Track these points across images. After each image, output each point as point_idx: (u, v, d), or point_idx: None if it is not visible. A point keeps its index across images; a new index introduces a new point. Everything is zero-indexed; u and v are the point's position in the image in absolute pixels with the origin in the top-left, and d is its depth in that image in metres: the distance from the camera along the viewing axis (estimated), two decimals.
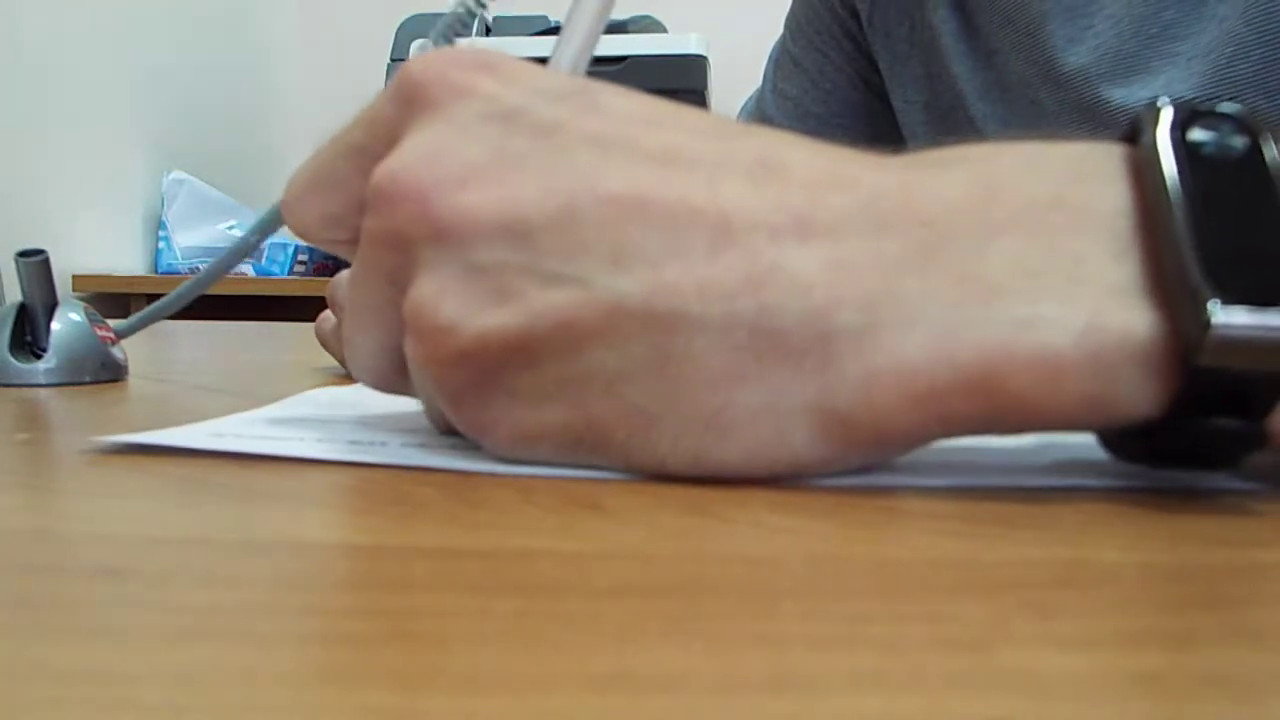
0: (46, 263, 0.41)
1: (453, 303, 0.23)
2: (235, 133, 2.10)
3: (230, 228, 1.88)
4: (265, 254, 1.85)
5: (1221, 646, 0.14)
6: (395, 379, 0.27)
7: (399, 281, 0.24)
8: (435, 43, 0.35)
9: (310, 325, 0.53)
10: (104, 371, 0.42)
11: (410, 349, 0.24)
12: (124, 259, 1.81)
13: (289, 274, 1.84)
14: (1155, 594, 0.16)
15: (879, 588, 0.16)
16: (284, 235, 1.96)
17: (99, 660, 0.13)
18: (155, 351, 0.51)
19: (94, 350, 0.41)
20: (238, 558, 0.18)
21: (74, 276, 1.63)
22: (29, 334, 0.41)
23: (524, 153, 0.23)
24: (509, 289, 0.22)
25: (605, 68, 1.68)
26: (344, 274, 0.52)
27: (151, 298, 1.65)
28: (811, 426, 0.21)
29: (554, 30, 1.83)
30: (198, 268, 1.83)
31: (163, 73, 1.89)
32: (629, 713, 0.11)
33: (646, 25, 1.82)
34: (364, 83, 2.02)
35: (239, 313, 1.68)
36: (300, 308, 1.71)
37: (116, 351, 0.43)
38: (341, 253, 0.28)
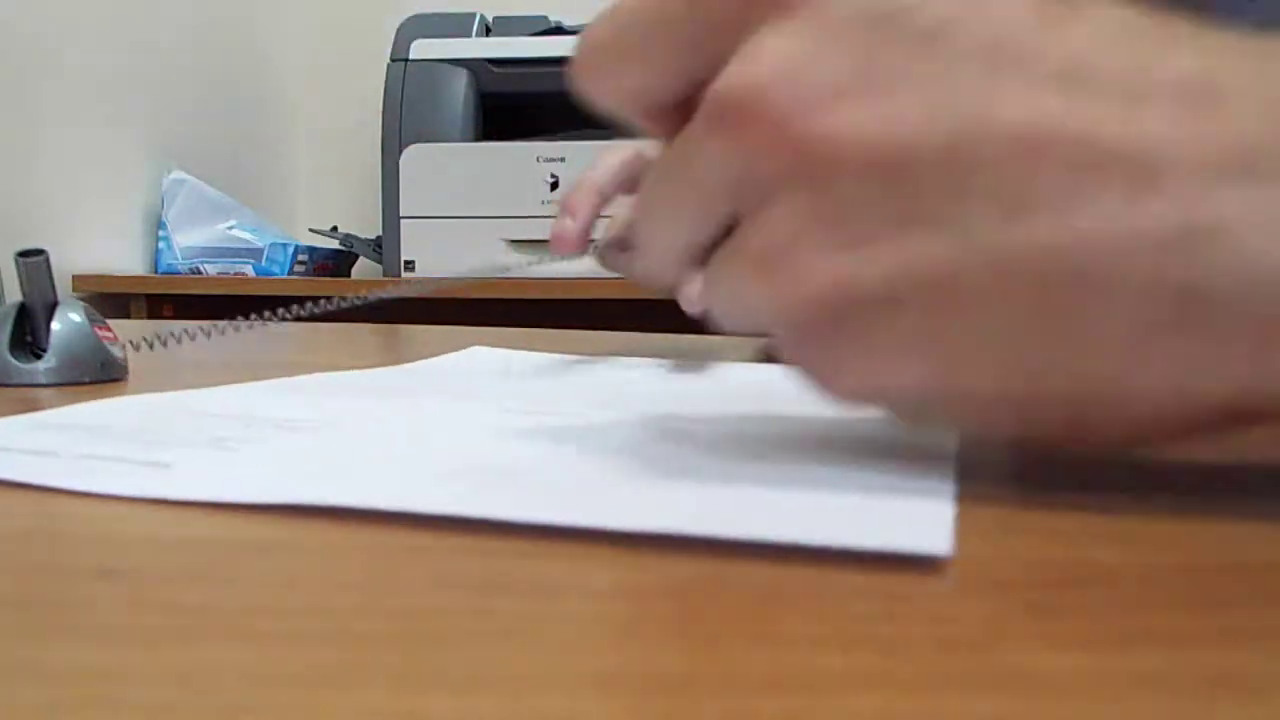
0: (46, 263, 0.41)
1: (812, 242, 0.20)
2: (235, 133, 2.10)
3: (230, 228, 1.88)
4: (265, 254, 1.85)
5: (1221, 646, 0.14)
6: (688, 274, 0.24)
7: (738, 197, 0.21)
8: None
9: (311, 325, 0.53)
10: (104, 371, 0.42)
11: (756, 283, 0.21)
12: (124, 259, 1.81)
13: (289, 274, 1.84)
14: (1155, 594, 0.16)
15: (880, 588, 0.16)
16: (284, 235, 1.96)
17: (99, 660, 0.13)
18: (155, 351, 0.51)
19: (94, 350, 0.41)
20: (238, 558, 0.18)
21: (74, 276, 1.63)
22: (29, 334, 0.41)
23: (901, 68, 0.20)
24: (879, 230, 0.20)
25: None
26: (631, 150, 0.55)
27: (152, 298, 1.63)
28: (1224, 408, 0.19)
29: (554, 30, 1.83)
30: (198, 268, 1.83)
31: (163, 73, 1.89)
32: (629, 713, 0.11)
33: None
34: (364, 83, 2.02)
35: (239, 312, 1.68)
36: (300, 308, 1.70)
37: (117, 351, 0.43)
38: (635, 122, 0.25)
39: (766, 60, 0.20)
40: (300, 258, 1.88)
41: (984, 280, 0.19)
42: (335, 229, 1.95)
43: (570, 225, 0.52)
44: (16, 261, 0.41)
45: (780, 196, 0.20)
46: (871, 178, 0.19)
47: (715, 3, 0.22)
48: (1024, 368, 0.20)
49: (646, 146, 0.54)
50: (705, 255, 0.24)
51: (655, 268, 0.25)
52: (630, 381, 0.44)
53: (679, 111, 0.23)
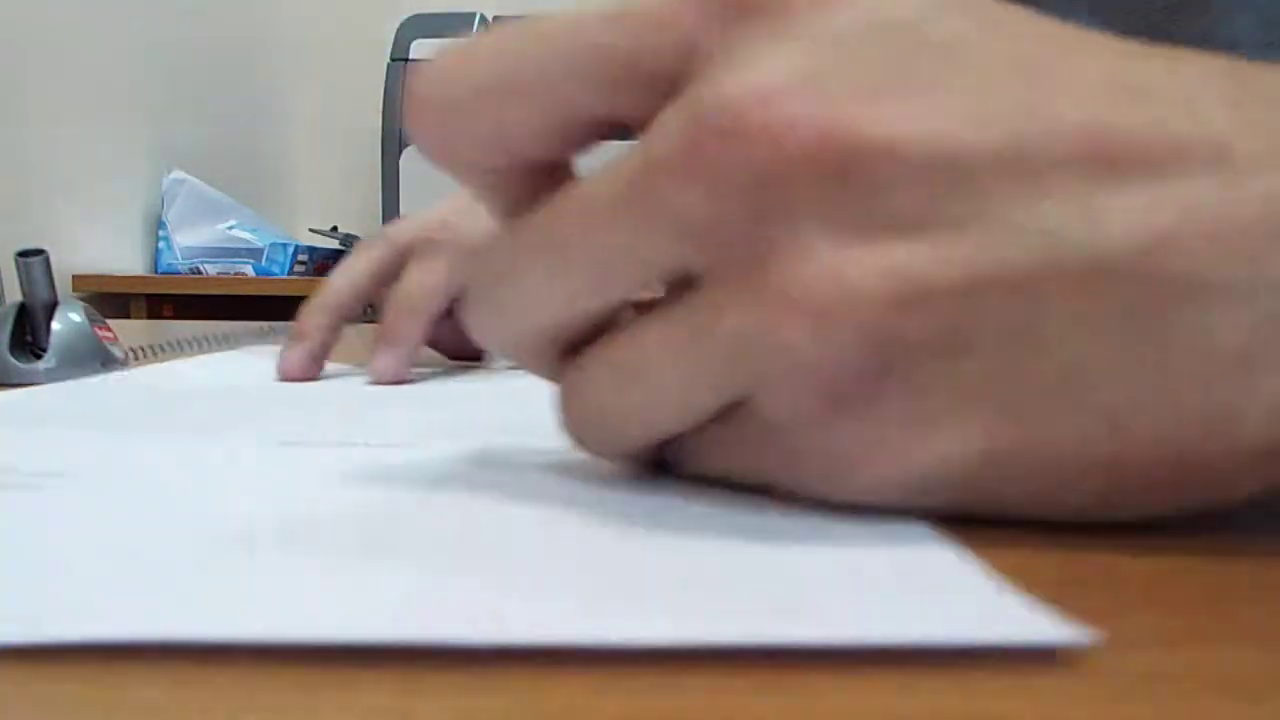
0: (46, 262, 0.41)
1: (864, 257, 0.17)
2: (235, 133, 2.10)
3: (230, 228, 1.88)
4: (265, 254, 1.85)
5: (1221, 646, 0.14)
6: (549, 361, 0.21)
7: (714, 236, 0.18)
8: None
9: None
10: (104, 371, 0.42)
11: (781, 324, 0.17)
12: (124, 259, 1.81)
13: (289, 274, 1.84)
14: (1155, 594, 0.16)
15: None
16: (284, 235, 1.96)
17: (99, 660, 0.13)
18: (155, 351, 0.51)
19: (94, 350, 0.42)
20: None
21: (74, 276, 1.63)
22: (29, 334, 0.41)
23: (931, 71, 0.18)
24: (944, 229, 0.17)
25: None
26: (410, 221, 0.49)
27: (152, 298, 1.64)
28: None
29: None
30: (198, 268, 1.83)
31: (163, 72, 1.89)
32: (629, 713, 0.11)
33: None
34: (364, 83, 2.02)
35: (239, 313, 1.68)
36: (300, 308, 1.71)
37: (117, 351, 0.43)
38: (478, 187, 0.21)
39: (773, 65, 0.17)
40: (300, 258, 1.89)
41: (1073, 287, 0.17)
42: (335, 229, 1.95)
43: (296, 355, 0.45)
44: (16, 261, 0.41)
45: (813, 212, 0.17)
46: (927, 178, 0.17)
47: (664, 31, 0.19)
48: (1115, 406, 0.17)
49: (414, 230, 0.48)
50: (572, 343, 0.20)
51: (511, 338, 0.21)
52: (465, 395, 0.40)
53: (542, 173, 0.21)
